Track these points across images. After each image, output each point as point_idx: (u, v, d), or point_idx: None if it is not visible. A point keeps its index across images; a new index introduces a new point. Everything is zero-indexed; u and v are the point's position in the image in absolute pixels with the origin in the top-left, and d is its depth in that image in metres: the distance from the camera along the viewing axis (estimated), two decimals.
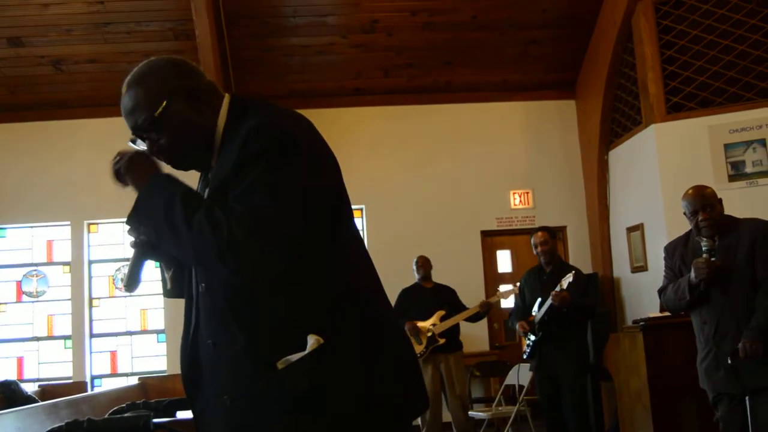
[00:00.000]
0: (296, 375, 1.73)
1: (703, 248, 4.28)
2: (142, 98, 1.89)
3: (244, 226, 1.67)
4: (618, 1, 8.94)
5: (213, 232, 1.67)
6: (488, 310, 7.38)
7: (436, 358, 7.25)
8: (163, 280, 2.20)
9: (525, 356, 6.65)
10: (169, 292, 2.19)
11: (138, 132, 1.93)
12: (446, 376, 7.25)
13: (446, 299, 7.46)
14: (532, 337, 6.46)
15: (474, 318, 7.38)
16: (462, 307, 7.42)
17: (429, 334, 7.18)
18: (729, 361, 4.15)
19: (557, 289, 6.18)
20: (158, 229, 1.80)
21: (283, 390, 1.74)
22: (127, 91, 1.93)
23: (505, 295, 7.47)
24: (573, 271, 6.30)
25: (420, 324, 7.24)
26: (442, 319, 7.26)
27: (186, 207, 1.73)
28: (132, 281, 2.00)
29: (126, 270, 2.03)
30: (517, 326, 6.59)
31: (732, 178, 8.13)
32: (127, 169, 1.89)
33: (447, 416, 7.39)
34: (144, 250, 1.98)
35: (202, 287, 1.89)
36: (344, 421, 1.76)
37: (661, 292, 4.63)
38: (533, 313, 6.42)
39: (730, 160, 8.19)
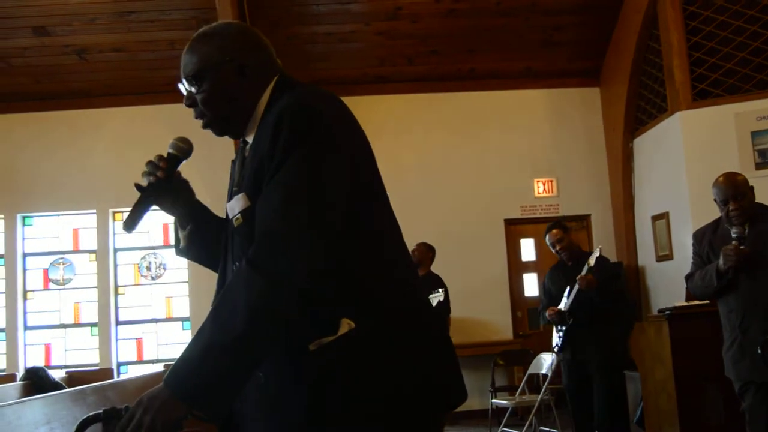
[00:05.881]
0: (327, 357, 1.73)
1: (733, 235, 4.24)
2: (198, 53, 1.96)
3: (277, 240, 1.68)
4: None
5: (246, 283, 1.66)
6: None
7: None
8: (176, 238, 2.17)
9: (556, 349, 6.60)
10: (182, 252, 2.18)
11: (184, 79, 1.97)
12: None
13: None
14: (562, 329, 6.43)
15: None
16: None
17: None
18: (759, 351, 4.10)
19: (583, 272, 6.17)
20: (232, 353, 1.65)
21: (315, 371, 1.74)
22: (192, 41, 1.99)
23: (432, 301, 7.15)
24: (599, 247, 6.28)
25: None
26: None
27: (211, 323, 1.68)
28: (132, 223, 1.95)
29: (131, 211, 1.95)
30: (546, 313, 6.54)
31: (759, 166, 8.04)
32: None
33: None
34: (151, 196, 1.99)
35: (236, 267, 1.85)
36: (372, 406, 1.75)
37: (689, 278, 4.61)
38: (562, 305, 6.38)
39: (758, 147, 8.11)
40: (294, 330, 1.70)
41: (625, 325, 6.61)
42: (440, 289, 6.87)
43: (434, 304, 6.74)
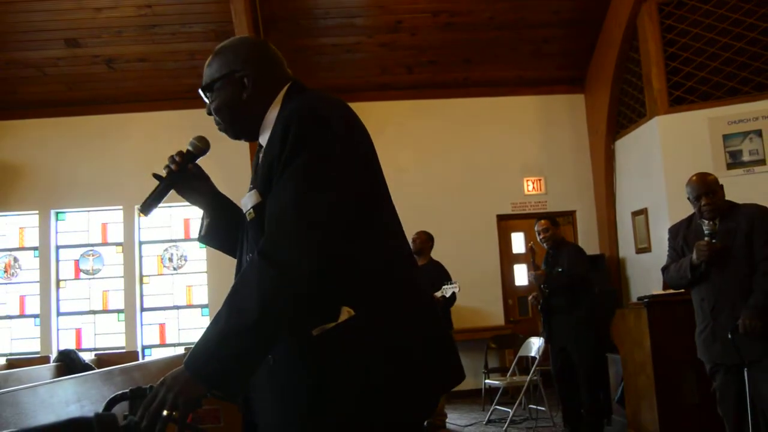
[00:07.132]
0: (328, 342, 1.72)
1: (705, 231, 4.27)
2: (211, 67, 2.00)
3: (285, 237, 1.67)
4: (624, 2, 8.87)
5: (258, 274, 1.66)
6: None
7: None
8: (201, 225, 2.20)
9: (543, 333, 6.74)
10: (202, 239, 2.21)
11: (201, 90, 2.02)
12: None
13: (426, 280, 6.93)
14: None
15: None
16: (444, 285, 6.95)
17: None
18: (729, 336, 4.14)
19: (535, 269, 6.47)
20: (244, 336, 1.64)
21: (317, 355, 1.74)
22: (211, 56, 2.03)
23: (446, 291, 6.96)
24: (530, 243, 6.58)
25: None
26: None
27: (225, 315, 1.67)
28: (148, 206, 1.99)
29: (148, 196, 1.99)
30: (529, 297, 6.75)
31: (730, 167, 8.07)
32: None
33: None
34: (167, 184, 2.03)
35: (249, 257, 1.85)
36: (372, 388, 1.73)
37: (665, 270, 4.62)
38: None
39: (729, 149, 8.13)
40: (300, 317, 1.70)
41: (594, 310, 6.61)
42: (455, 282, 6.83)
43: (448, 294, 6.74)
